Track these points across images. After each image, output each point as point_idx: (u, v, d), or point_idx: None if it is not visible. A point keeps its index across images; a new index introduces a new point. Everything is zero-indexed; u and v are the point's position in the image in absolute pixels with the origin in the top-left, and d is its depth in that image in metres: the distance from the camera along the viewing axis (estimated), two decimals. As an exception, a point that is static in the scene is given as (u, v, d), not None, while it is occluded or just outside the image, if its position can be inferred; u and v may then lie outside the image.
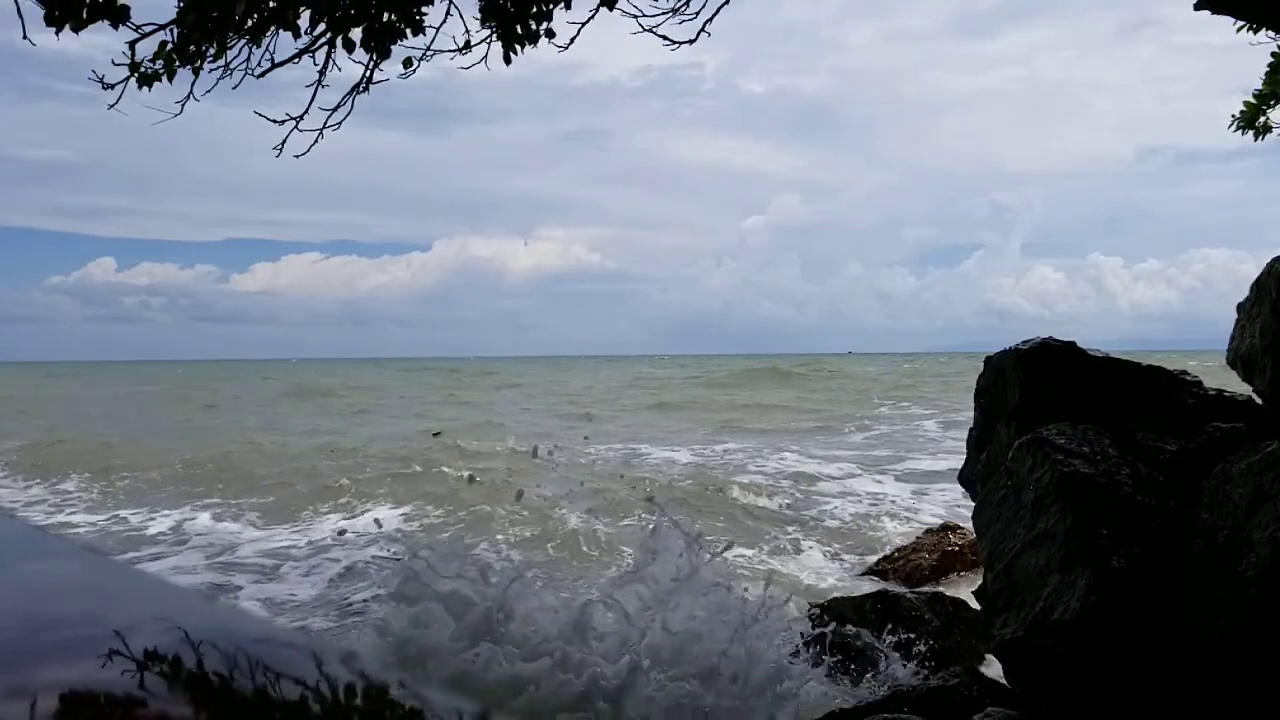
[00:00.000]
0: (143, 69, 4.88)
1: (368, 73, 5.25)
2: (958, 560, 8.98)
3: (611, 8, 5.17)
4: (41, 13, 4.47)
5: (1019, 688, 4.78)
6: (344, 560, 8.98)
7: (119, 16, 4.55)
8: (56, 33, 4.45)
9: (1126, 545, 4.41)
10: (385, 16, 4.97)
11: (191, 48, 4.82)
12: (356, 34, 5.01)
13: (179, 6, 4.77)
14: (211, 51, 4.89)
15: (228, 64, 5.01)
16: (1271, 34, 6.12)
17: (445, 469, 14.52)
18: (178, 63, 4.87)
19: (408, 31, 5.03)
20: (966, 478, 6.37)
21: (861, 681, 5.68)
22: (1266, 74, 6.45)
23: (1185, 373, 5.58)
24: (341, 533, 10.11)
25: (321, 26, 4.99)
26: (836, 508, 12.40)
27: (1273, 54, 6.31)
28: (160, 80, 4.92)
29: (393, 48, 5.12)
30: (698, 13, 5.24)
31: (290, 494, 13.42)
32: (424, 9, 5.05)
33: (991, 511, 5.13)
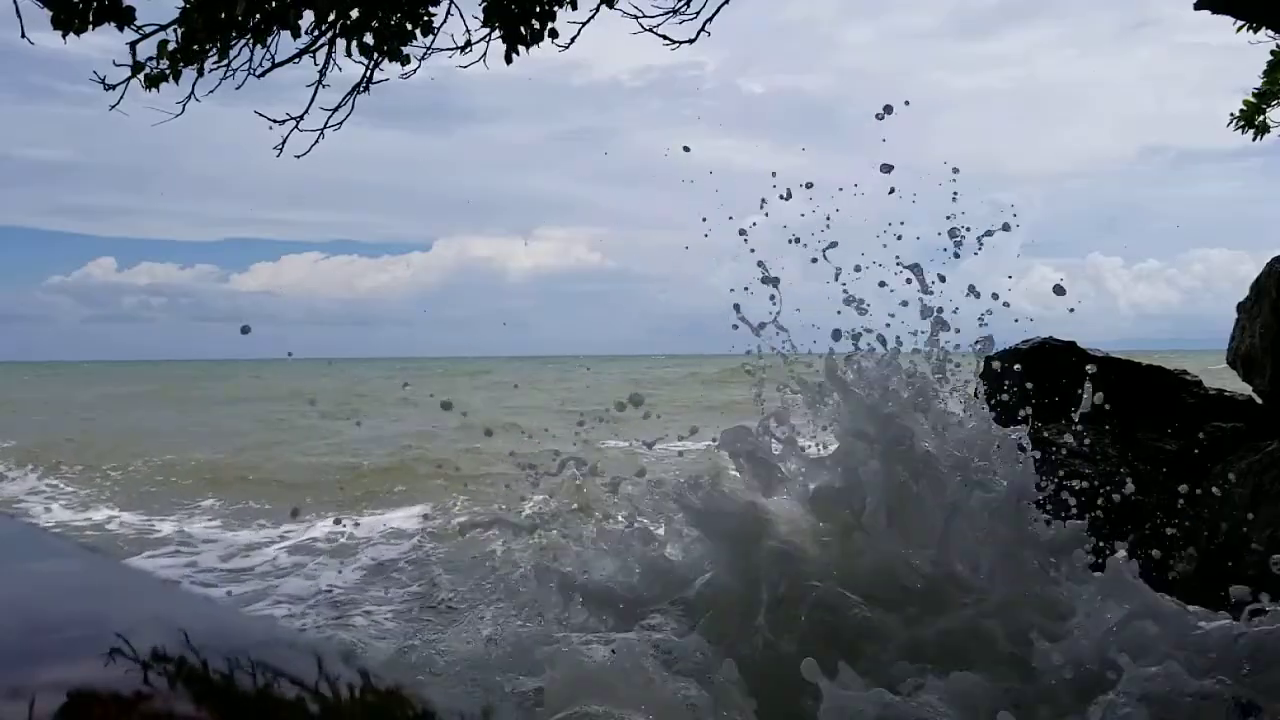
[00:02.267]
0: (147, 70, 4.89)
1: (368, 73, 5.26)
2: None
3: (612, 6, 5.18)
4: (42, 13, 4.48)
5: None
6: (354, 560, 8.96)
7: (124, 18, 4.56)
8: (63, 35, 4.45)
9: (1126, 545, 4.41)
10: (393, 19, 4.99)
11: (195, 48, 4.82)
12: (367, 37, 5.03)
13: (183, 7, 4.77)
14: (214, 52, 4.90)
15: (229, 64, 5.02)
16: (1271, 33, 6.13)
17: (451, 464, 14.41)
18: (182, 63, 4.88)
19: (416, 33, 5.05)
20: (966, 477, 6.36)
21: None
22: (1266, 72, 6.46)
23: (1185, 373, 5.58)
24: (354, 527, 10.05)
25: (324, 26, 5.00)
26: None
27: (1272, 53, 6.32)
28: (166, 80, 4.93)
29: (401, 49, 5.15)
30: (698, 13, 5.25)
31: (293, 493, 13.39)
32: (431, 10, 5.07)
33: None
